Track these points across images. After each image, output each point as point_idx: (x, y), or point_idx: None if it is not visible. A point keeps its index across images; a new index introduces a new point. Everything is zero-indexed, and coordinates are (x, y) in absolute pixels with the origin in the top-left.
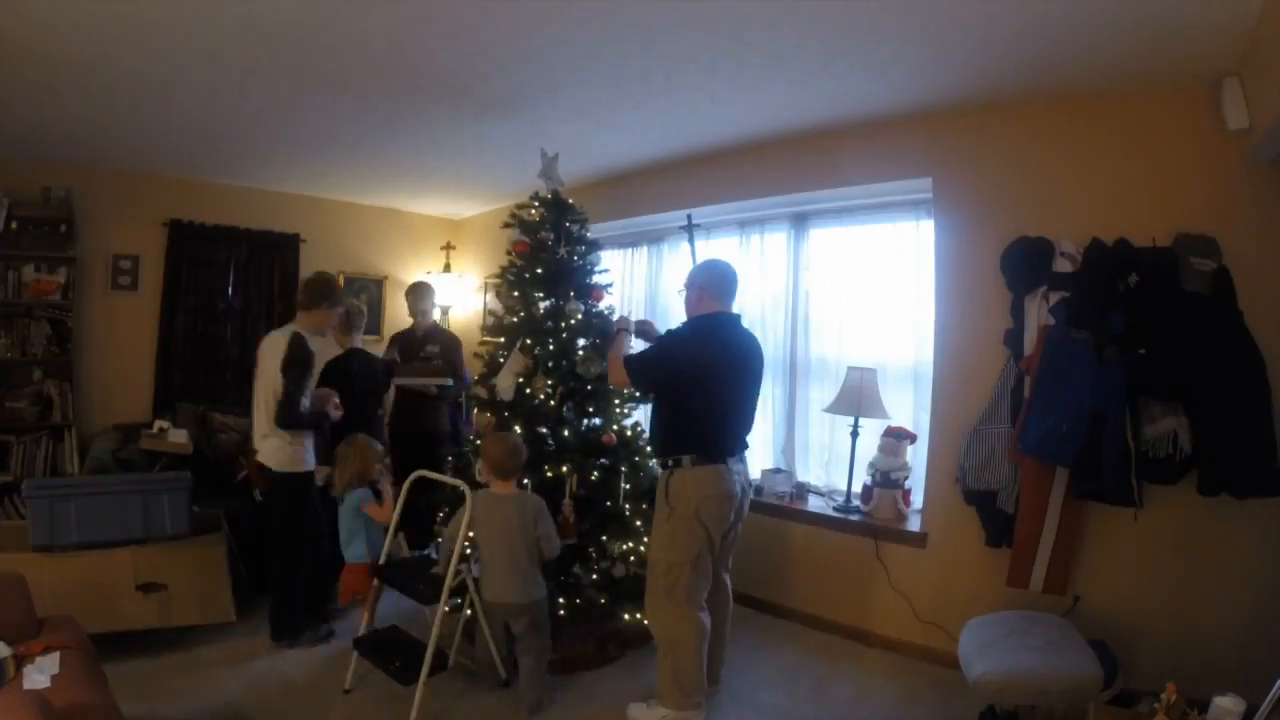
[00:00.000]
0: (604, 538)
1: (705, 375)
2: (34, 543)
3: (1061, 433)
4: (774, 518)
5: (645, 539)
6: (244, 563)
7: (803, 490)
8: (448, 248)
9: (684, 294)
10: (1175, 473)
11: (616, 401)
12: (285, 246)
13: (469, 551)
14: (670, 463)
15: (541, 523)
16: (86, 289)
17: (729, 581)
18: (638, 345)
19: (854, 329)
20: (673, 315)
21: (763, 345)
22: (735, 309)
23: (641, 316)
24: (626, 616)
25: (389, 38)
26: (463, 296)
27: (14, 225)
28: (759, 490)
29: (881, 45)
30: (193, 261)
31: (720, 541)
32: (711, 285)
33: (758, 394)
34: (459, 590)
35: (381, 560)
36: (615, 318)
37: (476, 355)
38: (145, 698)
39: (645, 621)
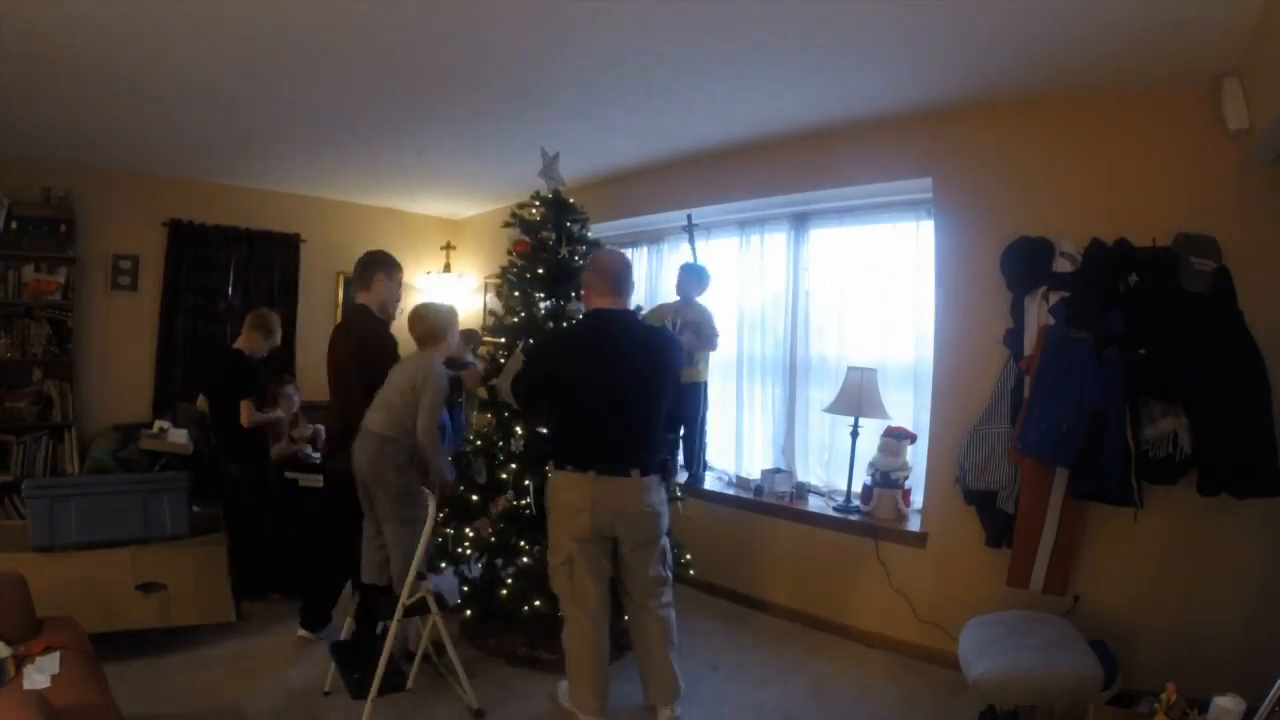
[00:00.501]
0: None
1: (573, 379)
2: (34, 543)
3: (1061, 433)
4: (774, 518)
5: None
6: (244, 563)
7: (803, 490)
8: (448, 248)
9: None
10: (1175, 473)
11: None
12: (285, 246)
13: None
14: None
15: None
16: (86, 289)
17: (659, 612)
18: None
19: (854, 329)
20: None
21: (761, 345)
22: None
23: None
24: (626, 617)
25: (389, 38)
26: (463, 296)
27: (14, 225)
28: (758, 490)
29: (881, 45)
30: (193, 261)
31: (612, 560)
32: (595, 279)
33: (654, 400)
34: (418, 609)
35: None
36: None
37: (478, 355)
38: (145, 698)
39: None
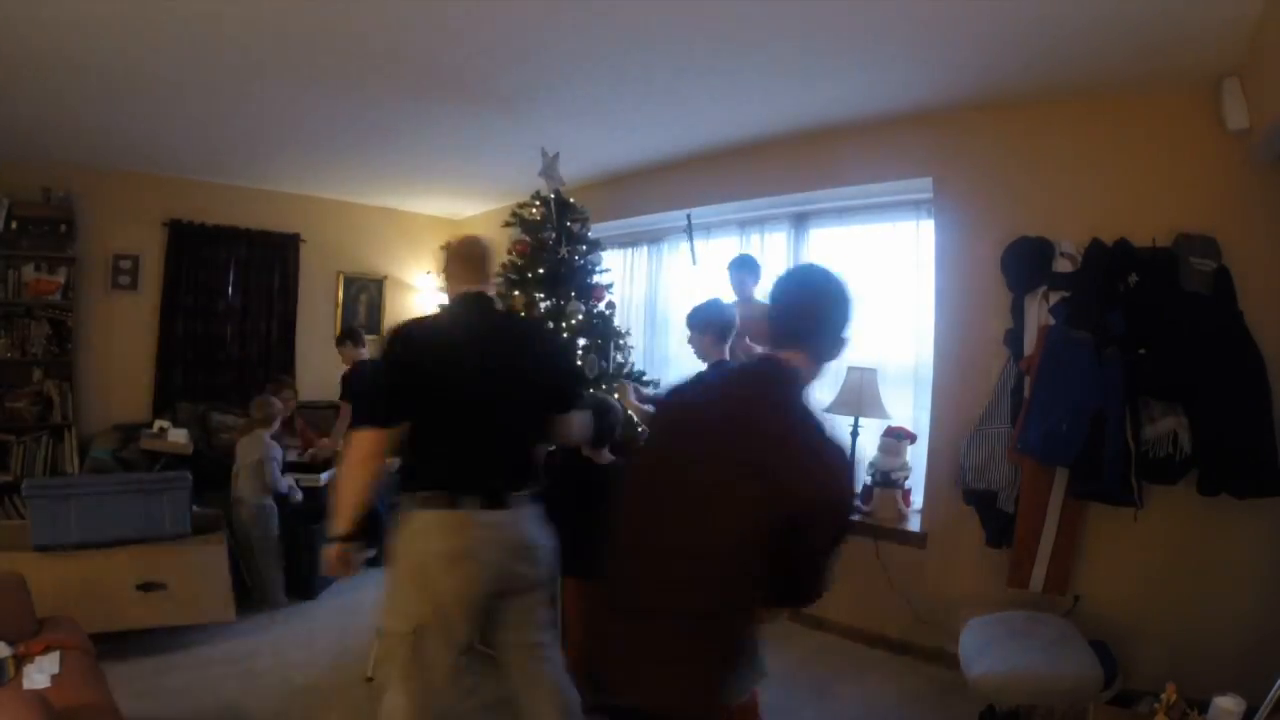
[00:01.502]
0: None
1: (432, 380)
2: (34, 543)
3: (1061, 433)
4: None
5: None
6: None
7: None
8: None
9: None
10: (1175, 473)
11: None
12: (285, 246)
13: None
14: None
15: None
16: (86, 289)
17: (553, 678)
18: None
19: (854, 329)
20: (673, 317)
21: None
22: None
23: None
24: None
25: (389, 38)
26: None
27: (14, 225)
28: None
29: (881, 45)
30: (193, 261)
31: (485, 618)
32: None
33: (532, 406)
34: None
35: None
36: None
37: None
38: (145, 698)
39: None
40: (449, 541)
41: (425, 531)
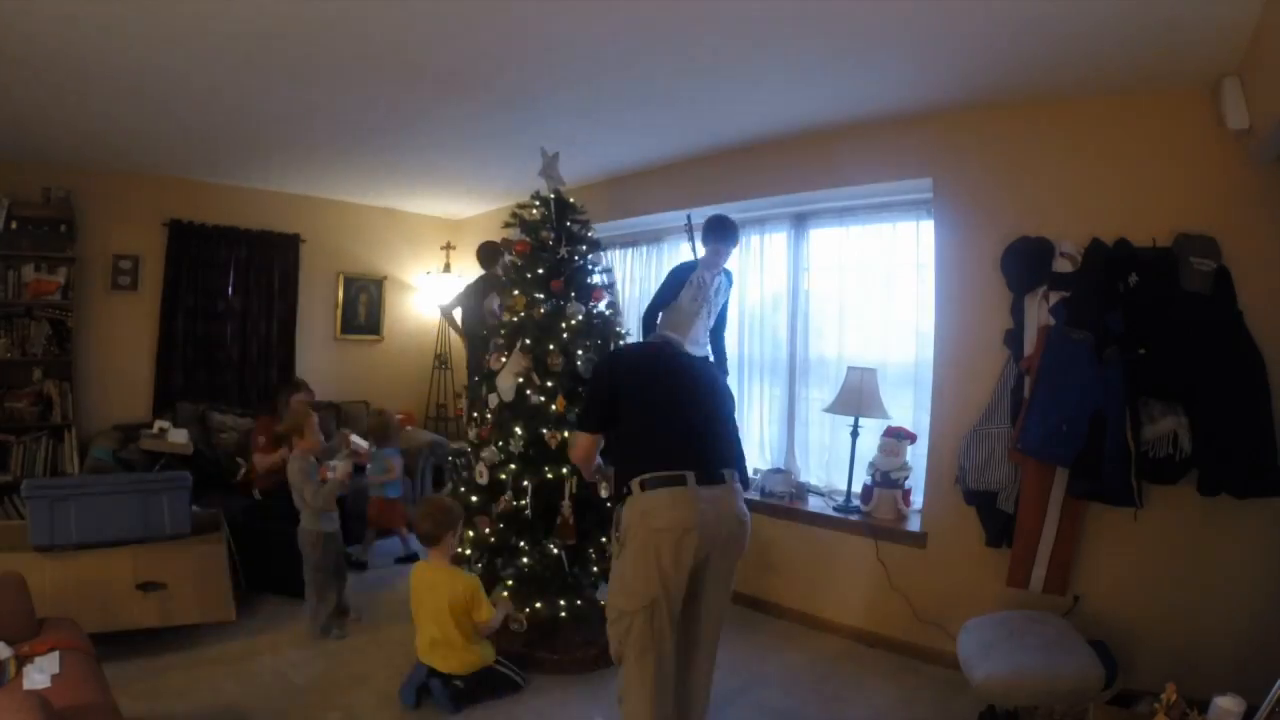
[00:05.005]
0: (604, 539)
1: (643, 382)
2: (34, 543)
3: (1061, 433)
4: (774, 518)
5: None
6: (242, 562)
7: (803, 490)
8: (448, 248)
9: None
10: (1175, 473)
11: None
12: (285, 246)
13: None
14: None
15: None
16: (86, 289)
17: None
18: None
19: (854, 329)
20: None
21: (761, 345)
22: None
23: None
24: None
25: (389, 37)
26: None
27: (14, 225)
28: (760, 490)
29: (881, 45)
30: (193, 261)
31: (689, 584)
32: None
33: (721, 408)
34: None
35: None
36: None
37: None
38: (145, 698)
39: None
40: (678, 514)
41: (655, 510)
